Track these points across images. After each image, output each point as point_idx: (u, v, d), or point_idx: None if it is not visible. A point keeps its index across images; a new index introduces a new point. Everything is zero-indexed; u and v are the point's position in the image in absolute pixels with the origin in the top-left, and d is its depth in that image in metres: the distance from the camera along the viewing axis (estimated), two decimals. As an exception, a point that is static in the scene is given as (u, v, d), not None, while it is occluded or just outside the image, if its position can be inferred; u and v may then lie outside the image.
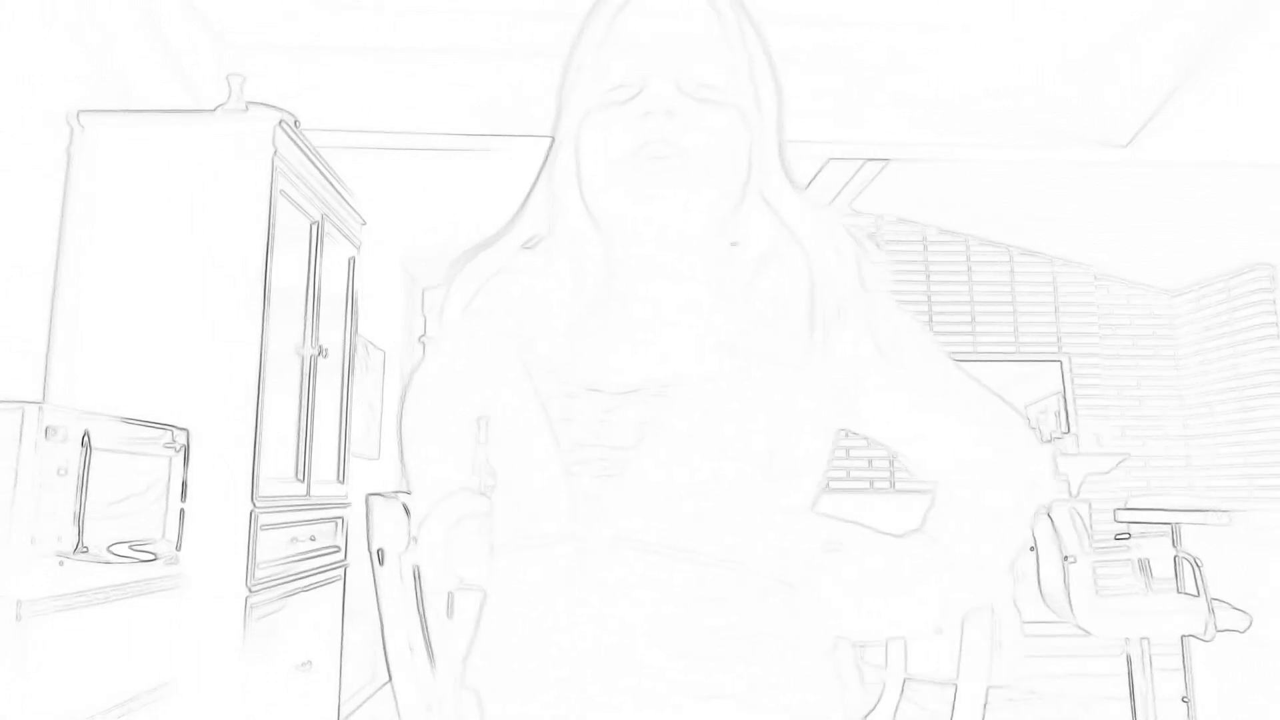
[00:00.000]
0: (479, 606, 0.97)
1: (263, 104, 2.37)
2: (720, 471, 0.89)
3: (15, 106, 2.13)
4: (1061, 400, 4.67)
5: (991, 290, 4.82)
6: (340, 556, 2.78)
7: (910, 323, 0.97)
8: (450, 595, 1.01)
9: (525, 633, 0.91)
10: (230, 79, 2.38)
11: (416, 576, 1.03)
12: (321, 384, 2.63)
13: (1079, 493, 4.50)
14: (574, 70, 1.00)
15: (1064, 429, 4.63)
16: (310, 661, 2.48)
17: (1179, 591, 2.90)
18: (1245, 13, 2.77)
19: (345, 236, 2.93)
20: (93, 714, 1.75)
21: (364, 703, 3.06)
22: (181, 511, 2.07)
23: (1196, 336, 4.70)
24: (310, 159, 2.53)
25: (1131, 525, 3.17)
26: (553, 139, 1.01)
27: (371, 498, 1.07)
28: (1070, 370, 4.71)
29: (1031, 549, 2.79)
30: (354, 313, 2.96)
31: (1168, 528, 3.00)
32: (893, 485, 4.60)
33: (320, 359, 2.61)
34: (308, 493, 2.54)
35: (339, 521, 2.80)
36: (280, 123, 2.32)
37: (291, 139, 2.39)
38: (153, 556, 1.94)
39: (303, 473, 2.52)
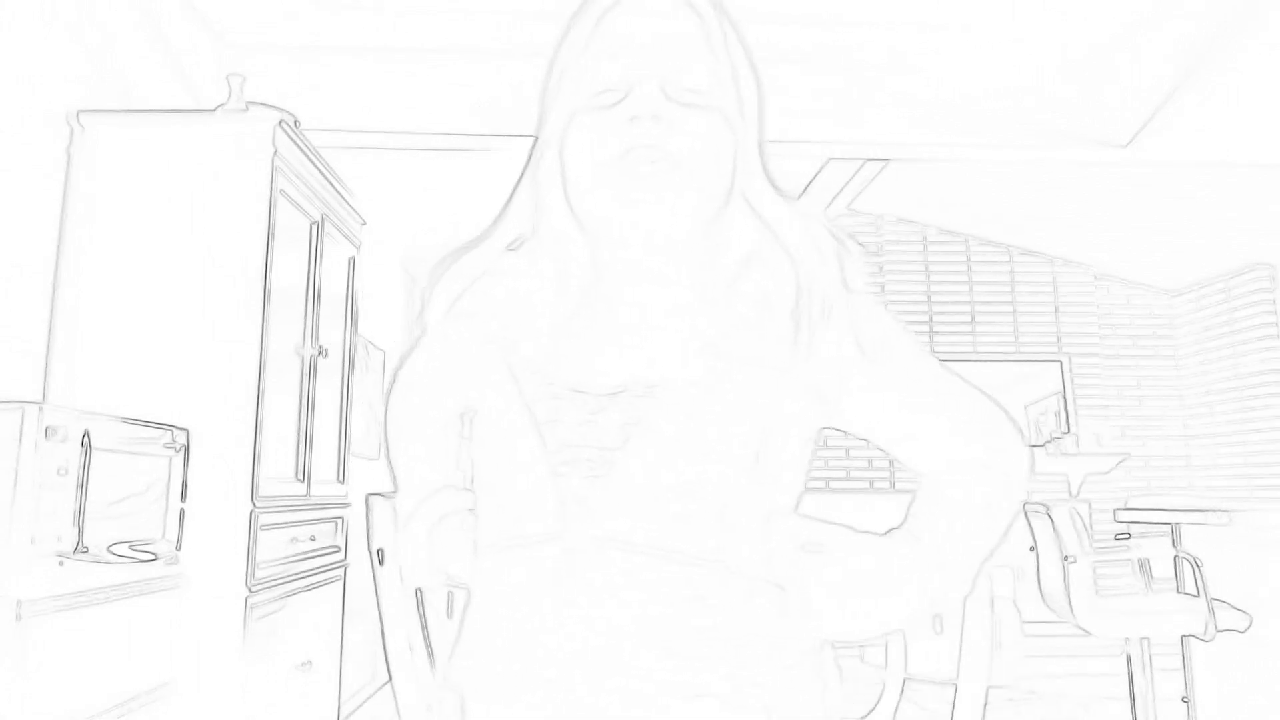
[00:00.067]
0: (461, 606, 0.98)
1: (263, 104, 2.37)
2: (706, 473, 0.90)
3: (15, 106, 2.13)
4: (1061, 400, 4.67)
5: (991, 290, 4.82)
6: (340, 556, 2.78)
7: (891, 322, 0.98)
8: (450, 595, 1.01)
9: (510, 634, 0.91)
10: (230, 79, 2.38)
11: (416, 576, 1.04)
12: (321, 384, 2.64)
13: (1079, 493, 4.50)
14: (558, 73, 1.00)
15: (1064, 429, 4.63)
16: (310, 661, 2.48)
17: (1179, 591, 2.90)
18: (1245, 13, 2.77)
19: (345, 236, 2.93)
20: (93, 714, 1.75)
21: (364, 703, 3.06)
22: (181, 511, 2.07)
23: (1196, 336, 4.70)
24: (310, 159, 2.53)
25: (1131, 525, 3.17)
26: (535, 141, 1.02)
27: (371, 498, 1.07)
28: (1070, 370, 4.71)
29: (1031, 549, 2.79)
30: (354, 313, 2.96)
31: (1168, 528, 3.00)
32: (893, 485, 4.60)
33: (320, 359, 2.61)
34: (308, 493, 2.54)
35: (339, 521, 2.80)
36: (280, 123, 2.32)
37: (291, 139, 2.39)
38: (153, 556, 1.94)
39: (303, 473, 2.52)
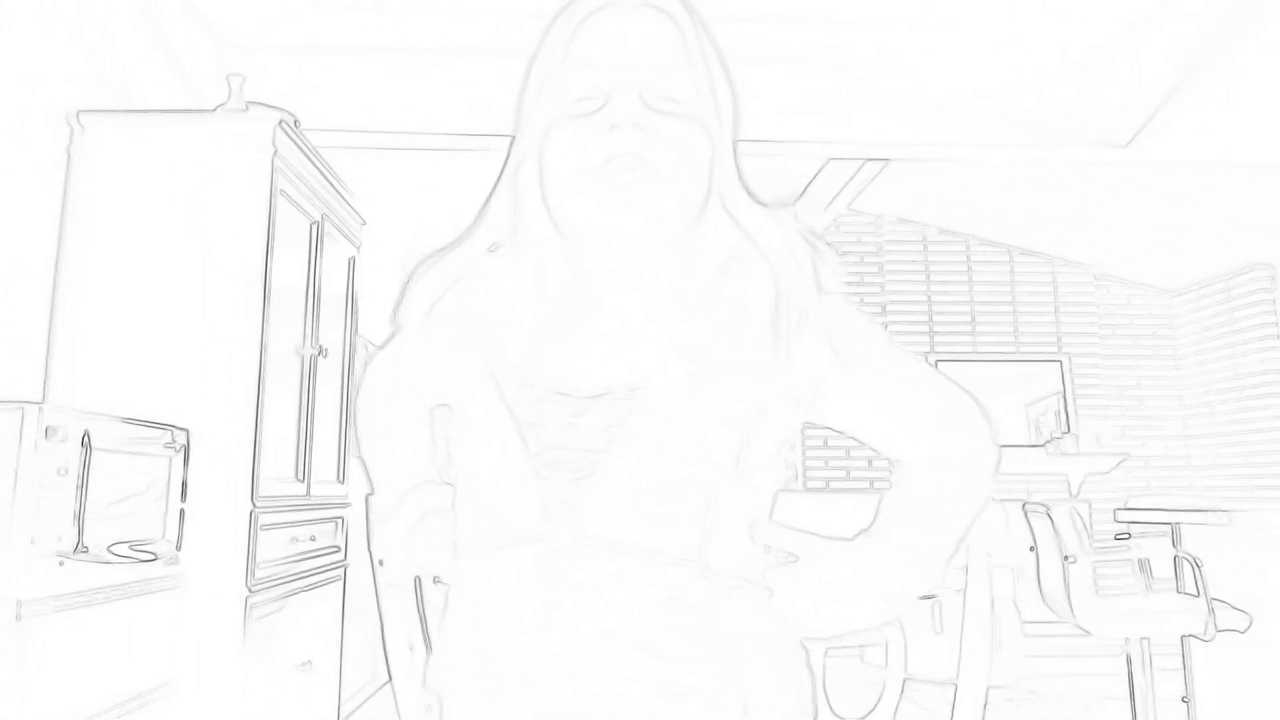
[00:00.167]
0: (419, 612, 0.99)
1: (263, 104, 2.37)
2: (688, 474, 0.91)
3: (15, 106, 2.13)
4: (1061, 400, 4.67)
5: (991, 290, 4.82)
6: (340, 556, 2.79)
7: (865, 322, 1.01)
8: (449, 595, 1.01)
9: (490, 634, 0.91)
10: (230, 79, 2.38)
11: (416, 578, 1.04)
12: (321, 384, 2.64)
13: (1079, 493, 4.50)
14: (536, 80, 1.01)
15: (1064, 429, 4.63)
16: (310, 661, 2.48)
17: (1179, 591, 2.90)
18: (1245, 13, 2.77)
19: (345, 236, 2.93)
20: (93, 714, 1.75)
21: (364, 703, 3.06)
22: (181, 511, 2.07)
23: (1196, 336, 4.70)
24: (310, 159, 2.53)
25: (1131, 525, 3.17)
26: (511, 144, 1.03)
27: (372, 498, 1.08)
28: (1070, 370, 4.71)
29: (1031, 549, 2.79)
30: (354, 313, 2.96)
31: (1168, 528, 3.00)
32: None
33: (320, 359, 2.61)
34: (308, 493, 2.54)
35: (339, 521, 2.80)
36: (280, 123, 2.32)
37: (291, 139, 2.39)
38: (153, 556, 1.94)
39: (303, 473, 2.52)
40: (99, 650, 1.79)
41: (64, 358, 2.19)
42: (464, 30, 2.86)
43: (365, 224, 3.08)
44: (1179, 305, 4.81)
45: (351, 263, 2.99)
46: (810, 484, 4.60)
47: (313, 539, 2.56)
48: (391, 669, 1.03)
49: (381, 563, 1.01)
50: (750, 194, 1.01)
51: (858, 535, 0.95)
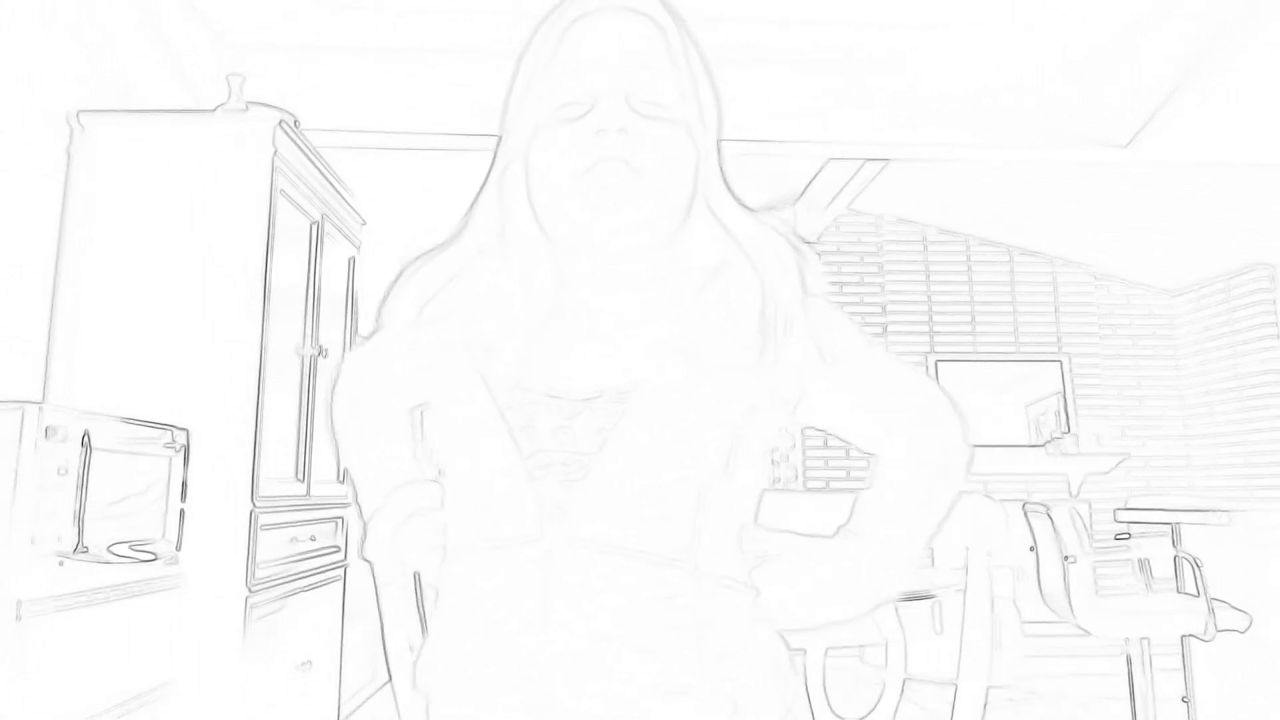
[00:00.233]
0: (419, 612, 0.99)
1: (263, 104, 2.37)
2: (680, 476, 0.93)
3: (15, 106, 2.13)
4: (1061, 400, 4.67)
5: (991, 290, 4.82)
6: (340, 556, 2.79)
7: (847, 324, 1.03)
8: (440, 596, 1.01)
9: (484, 636, 0.92)
10: (230, 79, 2.38)
11: (416, 577, 1.04)
12: (321, 384, 2.64)
13: (1079, 493, 4.50)
14: (522, 85, 1.02)
15: (1064, 429, 4.63)
16: (310, 661, 2.48)
17: (1179, 591, 2.90)
18: (1245, 13, 2.77)
19: (345, 236, 2.93)
20: (93, 714, 1.75)
21: (364, 703, 3.06)
22: (181, 511, 2.07)
23: (1196, 336, 4.70)
24: (310, 159, 2.53)
25: (1131, 525, 3.17)
26: (498, 145, 1.04)
27: (359, 498, 1.08)
28: (1070, 370, 4.71)
29: (1031, 549, 2.79)
30: (354, 313, 2.96)
31: (1168, 528, 3.00)
32: (893, 485, 4.59)
33: (320, 359, 2.61)
34: (308, 493, 2.54)
35: (339, 521, 2.80)
36: (280, 123, 2.32)
37: (291, 139, 2.39)
38: (153, 556, 1.94)
39: (303, 473, 2.52)
40: (99, 650, 1.79)
41: (64, 358, 2.19)
42: (464, 30, 2.86)
43: (365, 224, 3.07)
44: (1179, 305, 4.81)
45: (351, 263, 2.99)
46: (810, 484, 4.60)
47: (313, 539, 2.56)
48: (391, 669, 1.03)
49: (371, 563, 1.02)
50: (735, 197, 1.03)
51: (837, 532, 0.97)
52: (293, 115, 2.40)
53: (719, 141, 1.03)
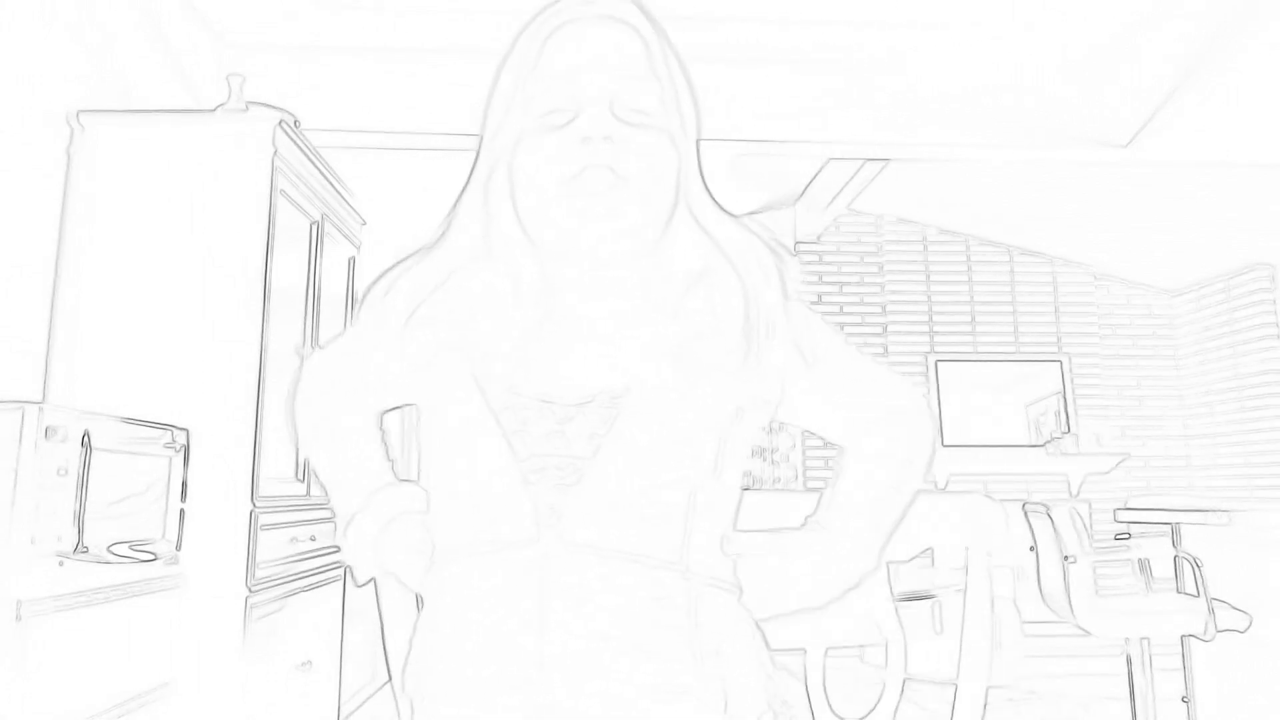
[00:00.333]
0: (419, 611, 1.00)
1: (263, 104, 2.37)
2: (673, 479, 0.95)
3: (15, 106, 2.13)
4: (1061, 400, 4.67)
5: (991, 290, 4.82)
6: (340, 556, 2.78)
7: (823, 326, 1.06)
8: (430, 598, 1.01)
9: (481, 637, 0.92)
10: (230, 79, 2.38)
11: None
12: (321, 384, 2.63)
13: (1079, 493, 4.50)
14: (504, 92, 1.03)
15: (1064, 429, 4.63)
16: (310, 661, 2.48)
17: (1179, 591, 2.90)
18: (1245, 13, 2.77)
19: (345, 236, 2.93)
20: (93, 714, 1.75)
21: (364, 703, 3.06)
22: (181, 511, 2.07)
23: (1196, 336, 4.70)
24: (310, 159, 2.53)
25: (1131, 525, 3.17)
26: (478, 151, 1.05)
27: (334, 501, 1.08)
28: (1070, 370, 4.71)
29: (1031, 549, 2.79)
30: (354, 313, 2.96)
31: (1168, 528, 3.00)
32: (893, 485, 4.59)
33: (320, 359, 2.61)
34: (308, 493, 2.54)
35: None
36: (280, 123, 2.32)
37: (291, 139, 2.39)
38: (153, 556, 1.95)
39: (303, 472, 2.52)
40: (99, 650, 1.79)
41: (64, 358, 2.19)
42: (464, 30, 2.86)
43: (365, 224, 3.07)
44: (1179, 305, 4.81)
45: (351, 263, 2.99)
46: (811, 484, 4.60)
47: (313, 539, 2.56)
48: (391, 669, 1.03)
49: (350, 567, 1.02)
50: (715, 202, 1.04)
51: (805, 523, 1.02)
52: (293, 115, 2.40)
53: (698, 142, 1.05)
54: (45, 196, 2.23)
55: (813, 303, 4.74)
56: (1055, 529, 2.72)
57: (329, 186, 2.72)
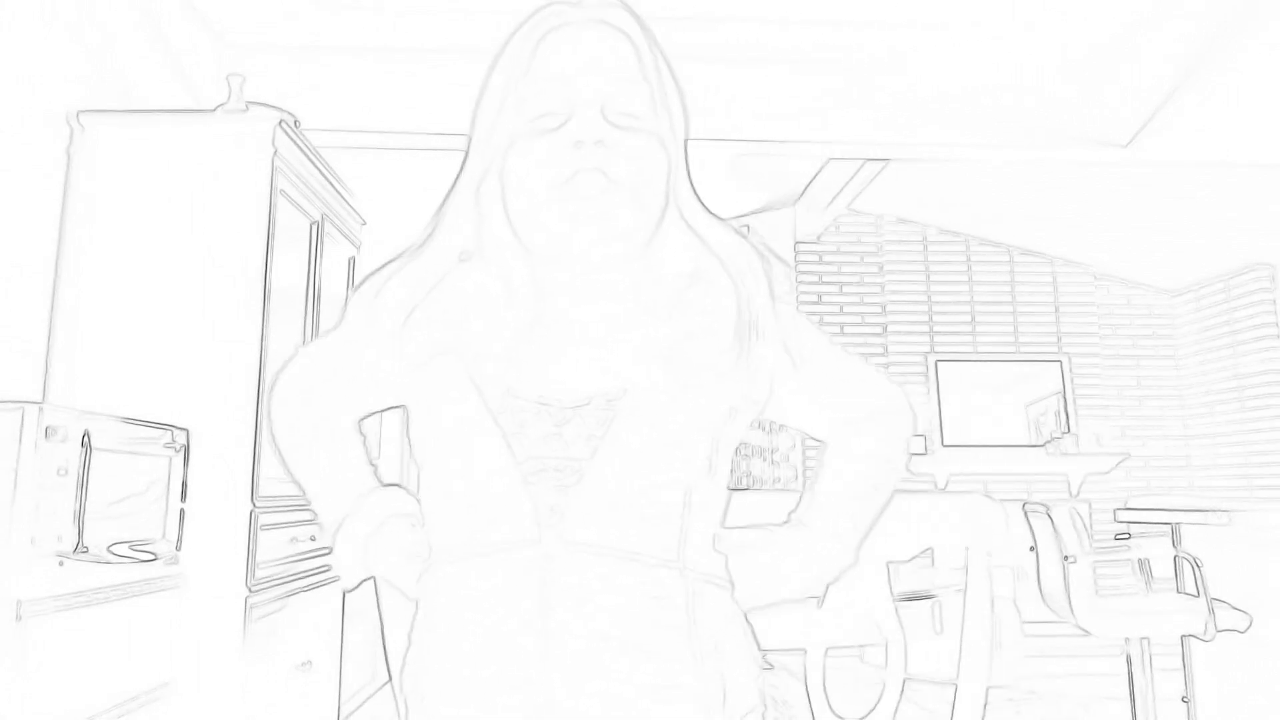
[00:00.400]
0: (413, 613, 1.00)
1: (263, 104, 2.37)
2: (670, 479, 0.96)
3: (15, 106, 2.13)
4: (1061, 400, 4.67)
5: (991, 290, 4.82)
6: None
7: (808, 326, 1.09)
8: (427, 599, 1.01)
9: (481, 638, 0.93)
10: (230, 79, 2.38)
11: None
12: (321, 384, 2.63)
13: (1079, 493, 4.50)
14: (495, 96, 1.04)
15: (1064, 429, 4.62)
16: (310, 661, 2.48)
17: (1179, 591, 2.90)
18: (1245, 13, 2.77)
19: (345, 236, 2.93)
20: (93, 714, 1.75)
21: (364, 703, 3.06)
22: (181, 511, 2.07)
23: (1196, 336, 4.70)
24: (310, 159, 2.53)
25: (1131, 525, 3.17)
26: (466, 154, 1.05)
27: (318, 504, 1.07)
28: (1070, 370, 4.71)
29: (1031, 549, 2.79)
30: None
31: (1168, 528, 3.00)
32: (893, 485, 4.59)
33: (320, 359, 2.61)
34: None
35: (339, 521, 2.80)
36: (280, 123, 2.32)
37: (291, 139, 2.39)
38: (153, 556, 1.95)
39: (303, 473, 2.51)
40: (99, 650, 1.79)
41: (64, 358, 2.19)
42: (464, 30, 2.86)
43: (365, 224, 3.07)
44: (1179, 305, 4.81)
45: (351, 263, 2.99)
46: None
47: (313, 539, 2.56)
48: (392, 669, 1.03)
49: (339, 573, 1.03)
50: (703, 205, 1.06)
51: (788, 518, 1.05)
52: (293, 115, 2.40)
53: (686, 143, 1.06)
54: (45, 196, 2.23)
55: (813, 303, 4.74)
56: (1055, 529, 2.72)
57: (329, 186, 2.72)
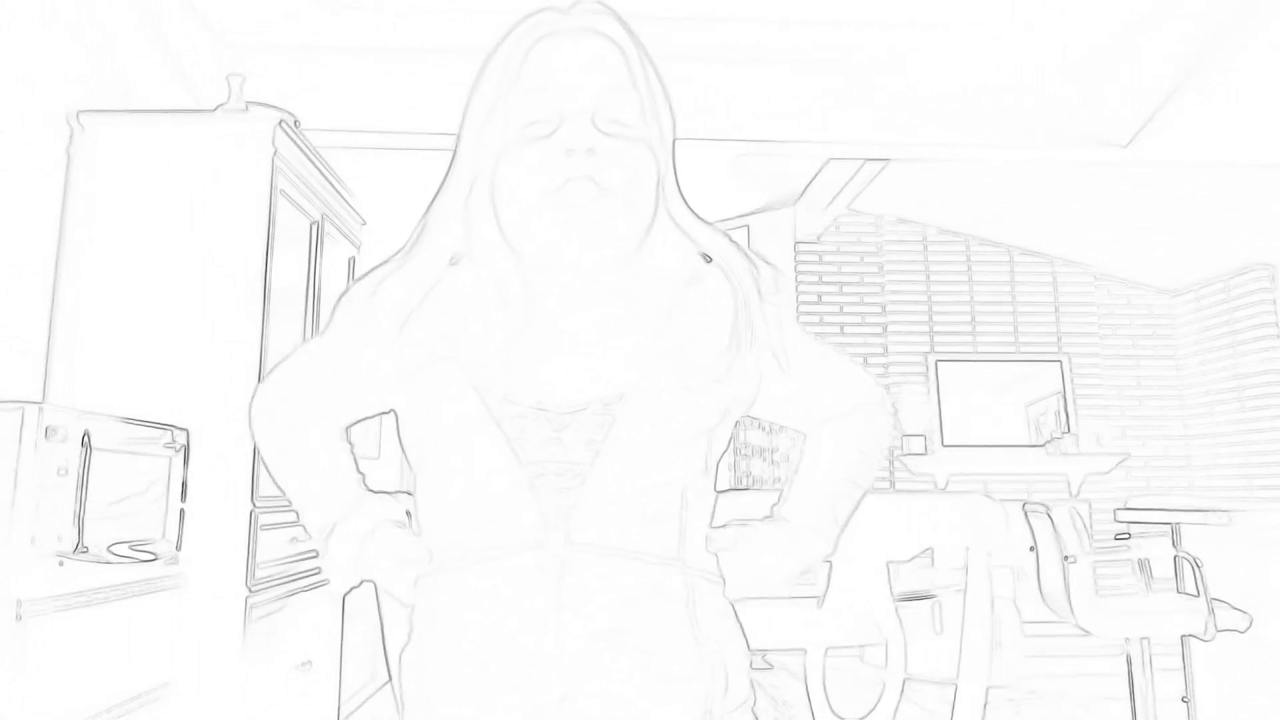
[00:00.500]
0: (410, 614, 1.00)
1: (263, 104, 2.37)
2: (670, 478, 0.98)
3: (15, 106, 2.13)
4: (1061, 400, 4.67)
5: (991, 290, 4.82)
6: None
7: (794, 326, 1.10)
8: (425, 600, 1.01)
9: (481, 638, 0.93)
10: (230, 79, 2.38)
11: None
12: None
13: (1079, 493, 4.50)
14: (485, 104, 1.04)
15: (1064, 429, 4.63)
16: (310, 661, 2.48)
17: (1179, 591, 2.90)
18: (1245, 13, 2.77)
19: (345, 236, 2.93)
20: (93, 714, 1.75)
21: (364, 703, 3.06)
22: (181, 511, 2.07)
23: (1196, 336, 4.70)
24: (310, 159, 2.53)
25: (1131, 525, 3.17)
26: (454, 158, 1.06)
27: (308, 510, 1.07)
28: (1070, 370, 4.71)
29: (1031, 549, 2.79)
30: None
31: (1168, 528, 3.00)
32: (892, 485, 4.60)
33: (320, 359, 2.61)
34: (308, 493, 2.53)
35: (339, 521, 2.80)
36: (280, 123, 2.32)
37: (291, 139, 2.39)
38: (153, 556, 1.95)
39: (303, 473, 2.51)
40: (99, 650, 1.79)
41: (64, 358, 2.19)
42: (464, 30, 2.86)
43: (365, 224, 3.07)
44: (1179, 305, 4.81)
45: (351, 263, 2.99)
46: (810, 484, 4.59)
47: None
48: (391, 669, 1.03)
49: (329, 579, 1.03)
50: (691, 210, 1.07)
51: (771, 512, 1.08)
52: (293, 115, 2.40)
53: (674, 143, 1.08)
54: (45, 196, 2.23)
55: (813, 303, 4.75)
56: (1055, 529, 2.72)
57: (329, 186, 2.72)
